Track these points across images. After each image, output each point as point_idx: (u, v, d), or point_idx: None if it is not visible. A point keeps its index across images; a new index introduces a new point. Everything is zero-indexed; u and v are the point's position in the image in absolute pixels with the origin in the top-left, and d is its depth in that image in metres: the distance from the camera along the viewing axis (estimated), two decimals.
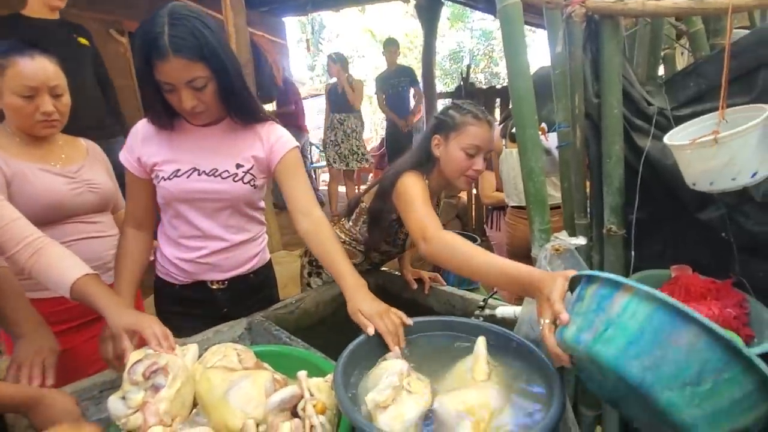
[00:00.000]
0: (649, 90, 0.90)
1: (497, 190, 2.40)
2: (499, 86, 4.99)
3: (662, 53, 1.00)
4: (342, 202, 4.91)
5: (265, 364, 0.84)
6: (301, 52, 12.79)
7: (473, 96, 4.64)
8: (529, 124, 0.92)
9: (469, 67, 5.04)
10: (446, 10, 11.25)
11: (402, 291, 1.48)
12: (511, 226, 2.15)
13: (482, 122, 1.16)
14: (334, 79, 4.59)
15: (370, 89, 7.01)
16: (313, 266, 1.49)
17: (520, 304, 1.00)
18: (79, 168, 1.26)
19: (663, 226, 0.90)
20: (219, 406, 0.70)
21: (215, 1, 3.06)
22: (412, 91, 4.92)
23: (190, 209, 1.10)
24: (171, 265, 1.17)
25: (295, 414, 0.72)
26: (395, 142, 4.91)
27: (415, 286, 1.42)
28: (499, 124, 2.53)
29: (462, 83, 4.66)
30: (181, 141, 1.08)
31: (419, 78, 5.01)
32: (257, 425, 0.70)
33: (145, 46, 0.91)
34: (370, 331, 0.85)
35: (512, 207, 2.14)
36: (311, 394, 0.72)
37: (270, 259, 1.35)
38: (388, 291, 1.51)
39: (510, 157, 2.06)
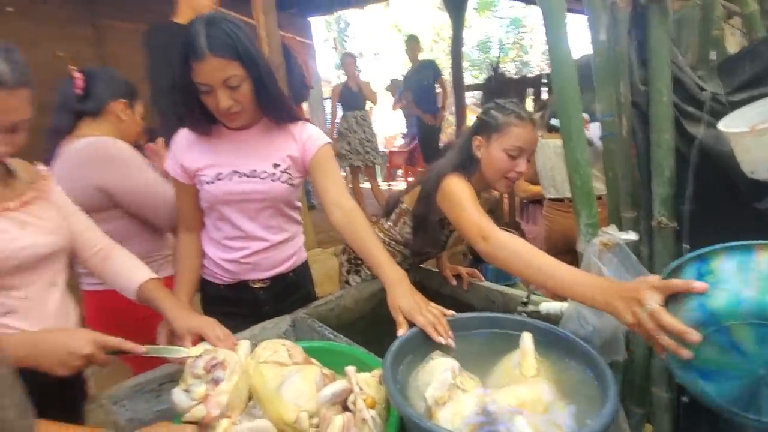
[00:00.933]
0: (700, 75, 0.86)
1: (530, 182, 2.35)
2: (531, 75, 4.85)
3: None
4: (369, 198, 4.92)
5: (313, 360, 0.87)
6: (327, 51, 12.91)
7: (504, 87, 4.54)
8: (573, 114, 0.90)
9: (498, 57, 4.93)
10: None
11: (440, 287, 1.48)
12: (549, 220, 2.10)
13: (526, 123, 1.13)
14: (342, 80, 4.60)
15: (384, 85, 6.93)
16: (352, 264, 1.52)
17: (560, 300, 0.99)
18: None
19: (717, 217, 0.85)
20: (273, 400, 0.74)
21: (245, 6, 3.15)
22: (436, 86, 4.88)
23: (232, 211, 1.14)
24: (215, 266, 1.22)
25: (345, 408, 0.75)
26: (428, 139, 4.89)
27: (453, 282, 1.42)
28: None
29: (492, 74, 4.56)
30: (219, 146, 1.13)
31: (448, 70, 4.96)
32: (310, 417, 0.73)
33: (183, 51, 0.96)
34: (401, 332, 0.85)
35: (550, 199, 2.10)
36: (360, 389, 0.75)
37: (307, 258, 1.39)
38: (426, 287, 1.52)
39: (546, 148, 2.01)
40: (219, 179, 1.11)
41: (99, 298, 1.25)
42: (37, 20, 3.66)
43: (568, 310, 0.84)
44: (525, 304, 1.00)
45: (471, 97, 5.66)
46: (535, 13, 12.68)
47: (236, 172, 1.11)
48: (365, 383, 0.76)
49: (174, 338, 0.96)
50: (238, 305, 1.23)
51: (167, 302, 0.96)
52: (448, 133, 10.27)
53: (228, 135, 1.13)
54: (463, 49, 5.22)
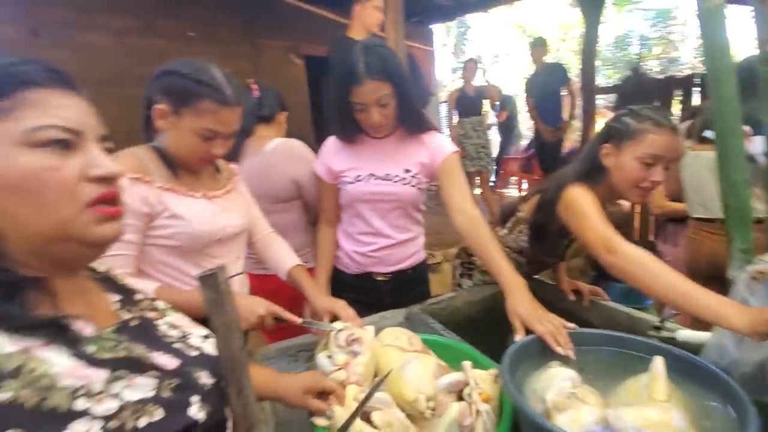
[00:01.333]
0: None
1: (672, 197, 2.09)
2: (680, 75, 4.21)
3: None
4: (480, 205, 4.82)
5: (430, 350, 0.95)
6: (445, 56, 12.95)
7: (645, 88, 4.04)
8: (732, 132, 0.82)
9: (640, 55, 4.38)
10: None
11: (556, 301, 1.43)
12: (695, 242, 1.84)
13: (665, 129, 1.04)
14: (458, 85, 4.52)
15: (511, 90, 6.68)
16: (465, 268, 1.57)
17: (696, 329, 0.90)
18: None
19: None
20: (396, 378, 0.84)
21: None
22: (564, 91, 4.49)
23: (366, 209, 1.30)
24: (347, 257, 1.39)
25: (459, 399, 0.81)
26: (546, 148, 4.59)
27: (572, 297, 1.37)
28: (682, 122, 2.19)
29: (631, 74, 4.10)
30: (361, 151, 1.29)
31: (576, 71, 4.59)
32: (427, 401, 0.81)
33: (344, 76, 1.14)
34: (518, 337, 0.88)
35: (696, 219, 1.84)
36: (476, 383, 0.80)
37: (425, 259, 1.49)
38: (540, 299, 1.48)
39: (696, 161, 1.78)
40: (358, 180, 1.27)
41: (260, 280, 1.51)
42: (210, 41, 4.47)
43: (710, 340, 0.77)
44: (658, 329, 0.93)
45: (601, 99, 5.14)
46: (688, 3, 10.92)
47: (373, 174, 1.27)
48: (480, 379, 0.81)
49: (315, 315, 1.14)
50: (362, 294, 1.37)
51: (309, 285, 1.16)
52: (572, 139, 9.49)
53: (368, 142, 1.29)
54: (596, 46, 4.78)
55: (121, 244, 0.91)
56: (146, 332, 0.51)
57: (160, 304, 0.59)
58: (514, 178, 6.51)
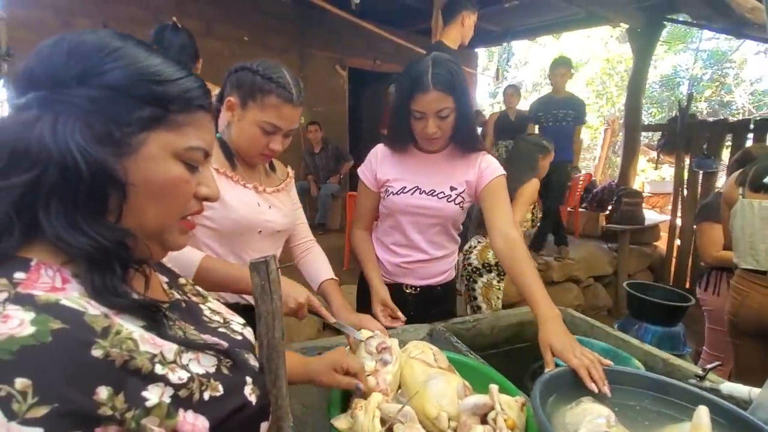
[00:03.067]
0: None
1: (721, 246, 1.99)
2: (733, 119, 4.05)
3: None
4: None
5: (455, 370, 0.93)
6: (485, 79, 13.00)
7: (693, 129, 3.91)
8: None
9: (690, 95, 4.24)
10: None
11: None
12: (741, 294, 1.74)
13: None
14: (501, 108, 4.47)
15: None
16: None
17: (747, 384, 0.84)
18: None
19: None
20: (419, 392, 0.82)
21: (427, 39, 3.47)
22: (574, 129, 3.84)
23: (407, 221, 1.29)
24: (379, 264, 1.38)
25: (482, 422, 0.78)
26: (551, 180, 4.29)
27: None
28: (731, 167, 2.10)
29: (678, 113, 3.98)
30: (408, 163, 1.29)
31: (619, 106, 4.46)
32: (449, 420, 0.79)
33: (411, 82, 1.14)
34: (548, 369, 0.85)
35: (744, 270, 1.74)
36: (501, 409, 0.77)
37: (455, 278, 1.47)
38: None
39: (749, 209, 1.69)
40: (403, 192, 1.27)
41: None
42: (263, 47, 4.68)
43: (760, 397, 0.72)
44: (701, 378, 0.87)
45: (646, 139, 5.01)
46: (745, 46, 10.57)
47: (418, 188, 1.26)
48: (507, 405, 0.78)
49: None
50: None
51: (338, 301, 1.15)
52: (608, 174, 9.24)
53: (418, 155, 1.29)
54: (645, 84, 4.68)
55: None
56: (194, 314, 0.52)
57: (202, 290, 0.60)
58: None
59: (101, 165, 0.39)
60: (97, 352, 0.34)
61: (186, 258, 0.90)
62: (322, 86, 5.28)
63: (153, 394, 0.37)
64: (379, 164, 1.31)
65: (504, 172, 1.28)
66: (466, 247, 2.18)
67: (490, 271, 2.08)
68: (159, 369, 0.38)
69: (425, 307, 1.37)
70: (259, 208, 1.06)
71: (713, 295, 2.11)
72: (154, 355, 0.39)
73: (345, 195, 4.28)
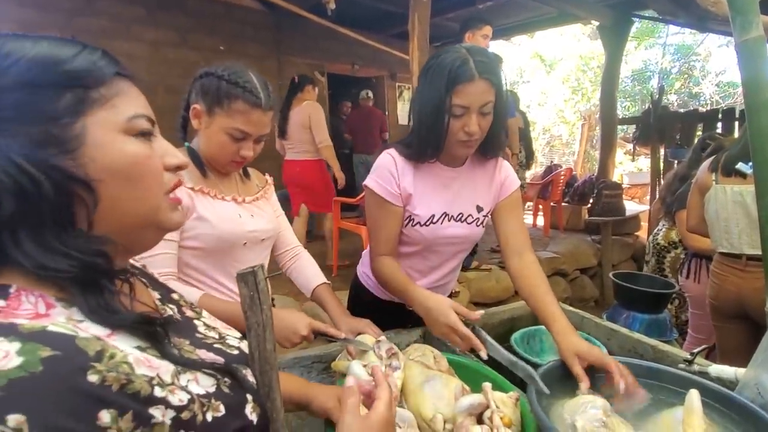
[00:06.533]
0: None
1: (698, 232, 2.04)
2: (703, 109, 4.21)
3: None
4: None
5: (454, 373, 0.93)
6: None
7: (666, 120, 4.04)
8: None
9: (662, 88, 4.37)
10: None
11: None
12: (719, 278, 1.79)
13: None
14: None
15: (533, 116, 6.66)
16: None
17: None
18: None
19: None
20: (416, 394, 0.82)
21: (403, 43, 3.49)
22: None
23: (431, 251, 1.16)
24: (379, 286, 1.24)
25: (479, 422, 0.78)
26: None
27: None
28: (705, 155, 2.17)
29: (651, 106, 4.11)
30: (429, 181, 1.10)
31: (594, 101, 4.59)
32: (445, 422, 0.78)
33: (449, 73, 0.95)
34: (583, 386, 0.80)
35: (721, 254, 1.79)
36: (497, 407, 0.77)
37: (453, 289, 1.42)
38: None
39: (722, 194, 1.74)
40: (433, 222, 1.10)
41: None
42: (240, 55, 4.63)
43: (745, 377, 0.74)
44: (689, 362, 0.90)
45: (621, 131, 5.14)
46: (710, 39, 10.97)
47: (446, 214, 1.10)
48: (501, 402, 0.79)
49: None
50: (388, 319, 1.23)
51: (333, 305, 1.12)
52: (587, 168, 9.44)
53: (438, 170, 1.11)
54: (618, 78, 4.80)
55: (164, 242, 0.92)
56: (187, 330, 0.50)
57: (196, 306, 0.59)
58: (530, 204, 6.47)
59: (55, 169, 0.36)
60: (93, 377, 0.32)
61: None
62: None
63: (157, 413, 0.35)
64: (401, 175, 1.08)
65: (520, 183, 1.19)
66: (655, 230, 2.81)
67: (676, 248, 2.64)
68: (158, 392, 0.36)
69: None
70: (240, 219, 1.03)
71: (694, 282, 2.17)
72: (152, 378, 0.37)
73: None
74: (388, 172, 1.08)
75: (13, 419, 0.28)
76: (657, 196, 4.21)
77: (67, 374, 0.31)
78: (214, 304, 0.91)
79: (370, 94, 5.39)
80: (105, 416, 0.32)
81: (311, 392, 0.73)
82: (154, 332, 0.40)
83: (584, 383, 0.80)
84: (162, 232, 0.46)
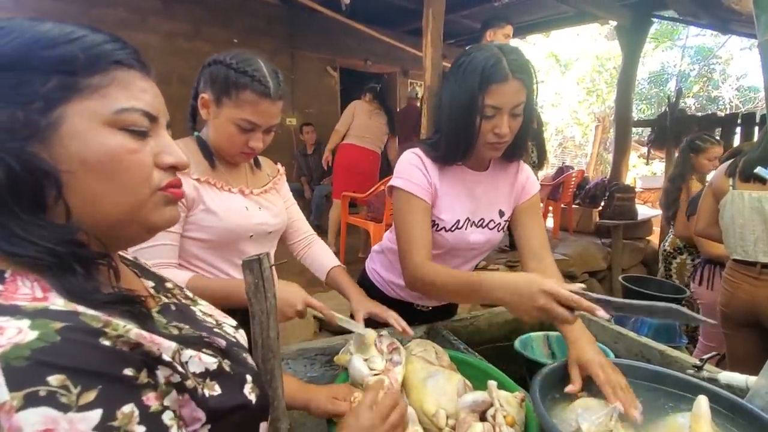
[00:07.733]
0: None
1: (711, 237, 2.00)
2: (722, 113, 4.11)
3: None
4: None
5: (456, 369, 0.92)
6: None
7: (683, 124, 3.96)
8: None
9: (680, 90, 4.27)
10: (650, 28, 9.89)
11: None
12: (732, 285, 1.75)
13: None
14: None
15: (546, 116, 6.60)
16: None
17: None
18: None
19: None
20: (419, 389, 0.81)
21: (417, 39, 3.47)
22: None
23: (450, 256, 1.14)
24: (389, 286, 1.25)
25: (482, 419, 0.78)
26: None
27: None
28: (724, 160, 2.13)
29: (667, 109, 4.03)
30: (453, 183, 1.08)
31: (609, 103, 4.52)
32: (447, 417, 0.78)
33: (483, 72, 0.92)
34: (569, 388, 0.79)
35: (734, 261, 1.75)
36: (500, 405, 0.77)
37: None
38: None
39: (739, 200, 1.70)
40: (458, 228, 1.08)
41: None
42: (252, 49, 4.62)
43: (756, 385, 0.72)
44: (698, 368, 0.88)
45: (636, 134, 5.06)
46: (731, 42, 10.72)
47: (470, 219, 1.09)
48: (505, 401, 0.78)
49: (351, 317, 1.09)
50: None
51: (350, 286, 1.12)
52: (600, 171, 9.31)
53: (463, 173, 1.09)
54: (635, 80, 4.72)
55: (165, 233, 0.91)
56: (186, 315, 0.51)
57: (190, 294, 0.59)
58: (540, 204, 6.38)
59: (18, 158, 0.35)
60: (106, 342, 0.34)
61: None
62: (313, 88, 5.27)
63: (167, 373, 0.37)
64: (430, 172, 1.05)
65: (539, 187, 1.17)
66: (666, 236, 2.83)
67: (681, 254, 2.69)
68: (166, 358, 0.37)
69: (433, 318, 1.31)
70: (247, 212, 1.02)
71: (707, 289, 2.13)
72: (157, 348, 0.37)
73: None
74: (416, 169, 1.05)
75: (54, 378, 0.30)
76: None
77: (85, 338, 0.33)
78: (205, 284, 0.91)
79: (418, 93, 5.20)
80: (128, 371, 0.34)
81: (308, 394, 0.75)
82: (139, 312, 0.40)
83: (571, 386, 0.79)
84: (149, 229, 0.45)
